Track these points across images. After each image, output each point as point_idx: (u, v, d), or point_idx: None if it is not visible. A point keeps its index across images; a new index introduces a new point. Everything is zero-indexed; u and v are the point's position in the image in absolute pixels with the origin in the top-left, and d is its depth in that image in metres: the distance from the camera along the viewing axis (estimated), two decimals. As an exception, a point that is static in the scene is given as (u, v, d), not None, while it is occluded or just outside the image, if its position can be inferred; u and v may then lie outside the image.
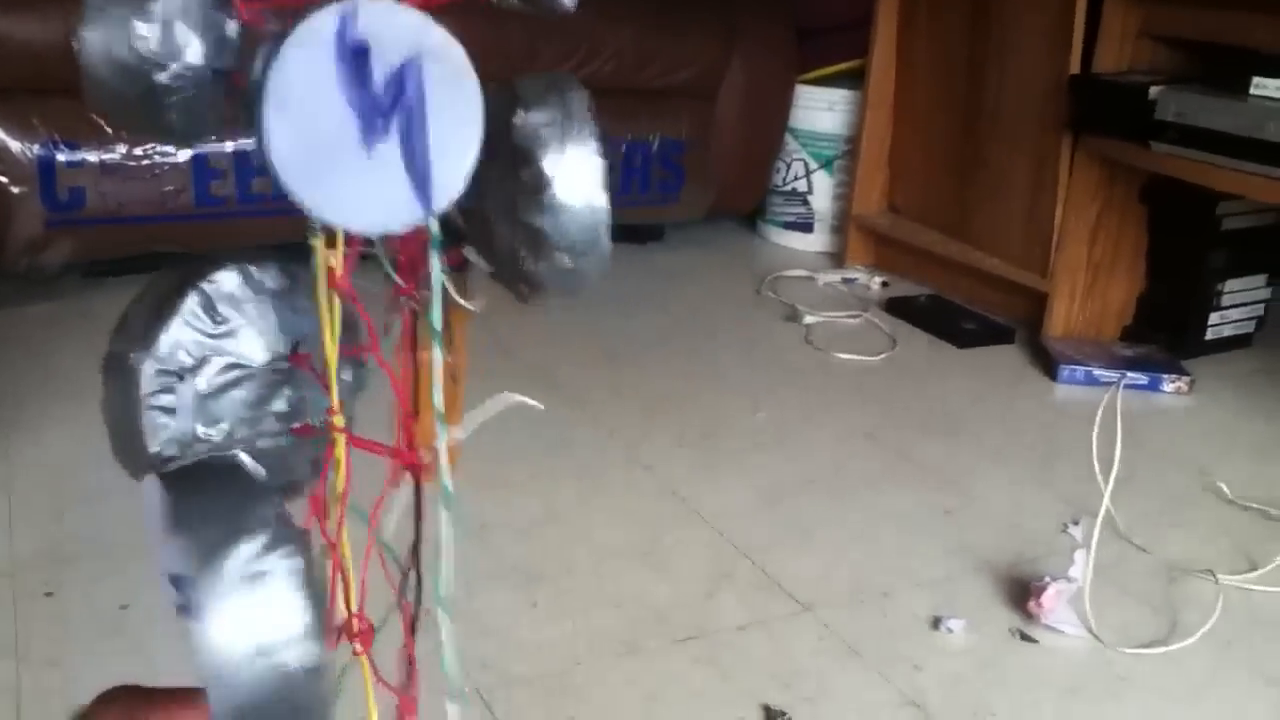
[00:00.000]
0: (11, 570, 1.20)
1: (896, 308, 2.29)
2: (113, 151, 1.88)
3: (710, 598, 1.25)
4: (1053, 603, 1.23)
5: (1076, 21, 2.01)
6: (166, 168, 1.92)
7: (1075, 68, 2.02)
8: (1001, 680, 1.15)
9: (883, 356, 2.05)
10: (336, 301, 0.34)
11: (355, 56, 0.27)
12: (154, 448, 0.35)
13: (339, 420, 0.36)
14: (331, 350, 0.35)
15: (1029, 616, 1.25)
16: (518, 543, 1.34)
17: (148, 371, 0.34)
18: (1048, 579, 1.25)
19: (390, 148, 0.29)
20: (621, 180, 2.38)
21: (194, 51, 0.31)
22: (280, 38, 0.28)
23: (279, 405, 0.37)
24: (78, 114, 1.86)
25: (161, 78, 0.31)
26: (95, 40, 0.31)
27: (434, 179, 0.29)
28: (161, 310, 0.34)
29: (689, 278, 2.43)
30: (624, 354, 1.95)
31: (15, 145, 1.82)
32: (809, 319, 2.19)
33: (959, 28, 2.30)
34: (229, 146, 1.97)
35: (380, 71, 0.28)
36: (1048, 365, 2.01)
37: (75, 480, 1.39)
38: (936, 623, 1.23)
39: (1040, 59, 2.11)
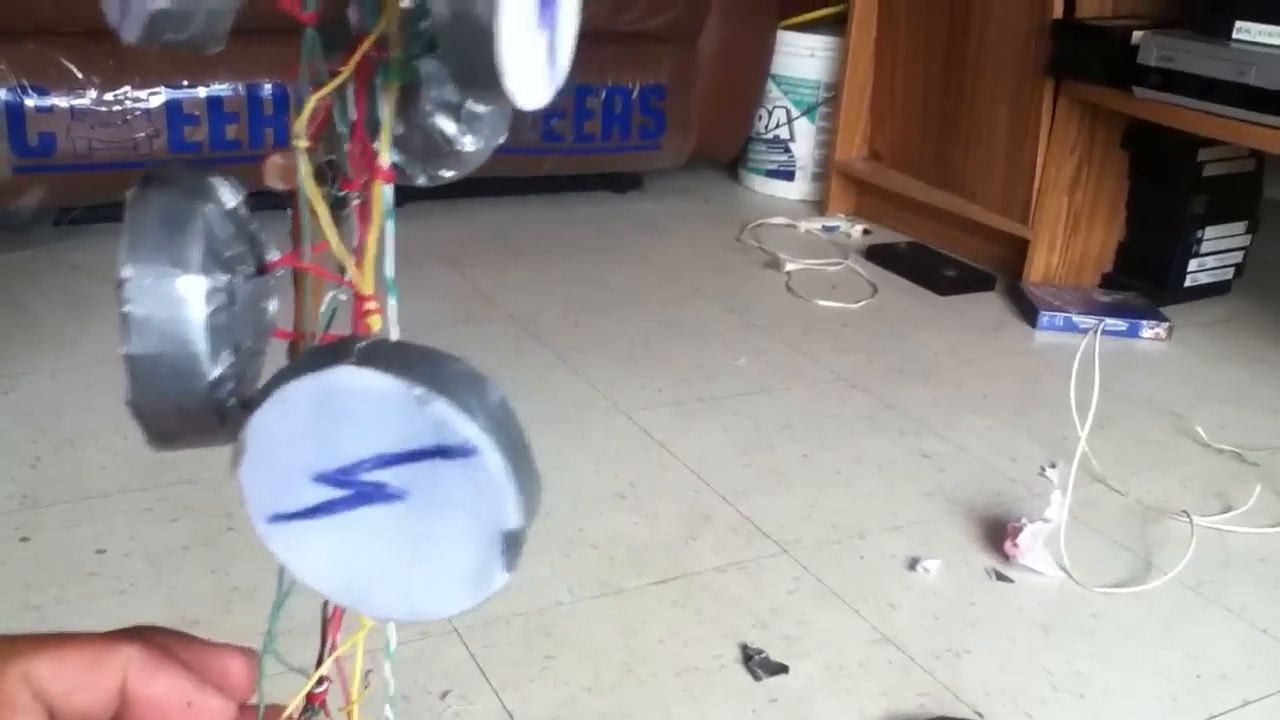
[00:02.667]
0: (-14, 515, 1.19)
1: (877, 255, 2.29)
2: (83, 96, 1.84)
3: (688, 541, 1.26)
4: (1028, 543, 1.24)
5: (1059, -35, 1.99)
6: (139, 113, 1.89)
7: (1058, 12, 2.01)
8: (976, 618, 1.16)
9: (863, 304, 2.04)
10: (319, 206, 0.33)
11: None
12: (213, 372, 0.32)
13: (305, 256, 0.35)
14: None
15: (1005, 558, 1.26)
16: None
17: (198, 290, 0.31)
18: (1024, 520, 1.26)
19: (545, 33, 0.29)
20: (602, 127, 2.36)
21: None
22: None
23: (269, 313, 0.36)
24: (47, 58, 1.82)
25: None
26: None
27: (559, 58, 0.31)
28: (185, 226, 0.32)
29: (669, 226, 2.42)
30: (604, 302, 1.95)
31: (-18, 90, 1.79)
32: (790, 266, 2.18)
33: (942, -28, 2.28)
34: (202, 92, 1.94)
35: None
36: (1028, 312, 2.01)
37: (50, 426, 1.38)
38: (913, 563, 1.24)
39: (1022, 4, 2.10)
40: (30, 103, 1.81)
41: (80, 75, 1.84)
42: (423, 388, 0.29)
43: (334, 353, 0.30)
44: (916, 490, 1.41)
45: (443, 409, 0.29)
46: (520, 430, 0.31)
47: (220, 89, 1.95)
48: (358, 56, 0.31)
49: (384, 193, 0.33)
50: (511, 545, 0.31)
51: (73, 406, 1.43)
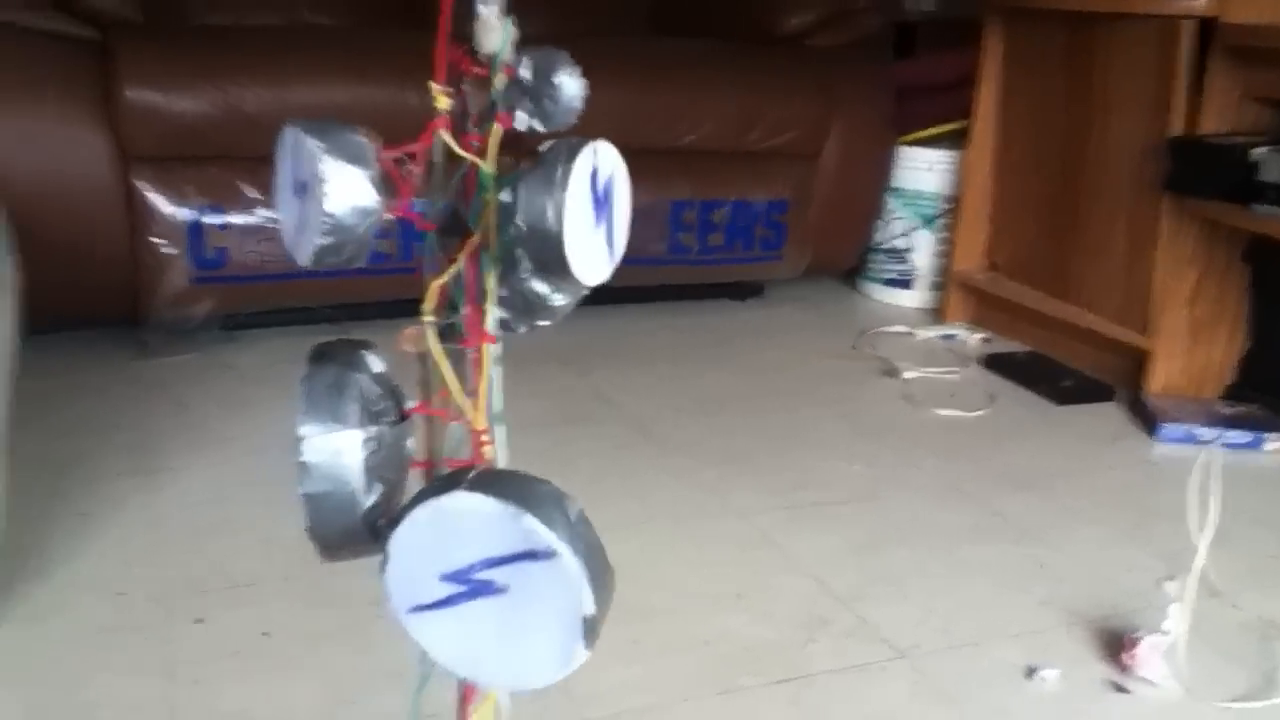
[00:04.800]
0: (163, 595, 1.31)
1: (995, 364, 2.32)
2: (254, 215, 2.03)
3: (805, 643, 1.31)
4: (1146, 655, 1.26)
5: (1177, 84, 2.04)
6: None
7: (1178, 129, 2.05)
8: (1091, 729, 1.18)
9: (980, 413, 2.08)
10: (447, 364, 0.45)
11: (594, 177, 0.38)
12: (367, 502, 0.43)
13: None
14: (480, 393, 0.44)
15: (1122, 668, 1.27)
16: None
17: (355, 442, 0.43)
18: (1141, 632, 1.28)
19: (602, 228, 0.41)
20: (725, 239, 2.47)
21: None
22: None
23: (408, 449, 0.47)
24: (225, 180, 2.02)
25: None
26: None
27: (616, 244, 0.42)
28: (344, 392, 0.43)
29: (787, 333, 2.50)
30: (720, 407, 2.03)
31: (169, 209, 1.98)
32: (907, 374, 2.23)
33: (1060, 89, 2.35)
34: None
35: (601, 181, 0.40)
36: (1147, 423, 2.02)
37: (218, 516, 1.51)
38: (1030, 672, 1.27)
39: (1140, 120, 2.14)
40: (209, 220, 2.00)
41: (253, 195, 2.02)
42: (516, 507, 0.39)
43: (451, 481, 0.41)
44: (1032, 599, 1.43)
45: (531, 523, 0.39)
46: (594, 536, 0.41)
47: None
48: (466, 252, 0.42)
49: (490, 350, 0.44)
50: (590, 629, 0.41)
51: (238, 497, 1.56)
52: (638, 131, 2.31)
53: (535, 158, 0.41)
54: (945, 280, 2.66)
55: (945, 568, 1.50)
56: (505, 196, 0.42)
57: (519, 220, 0.39)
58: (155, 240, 1.98)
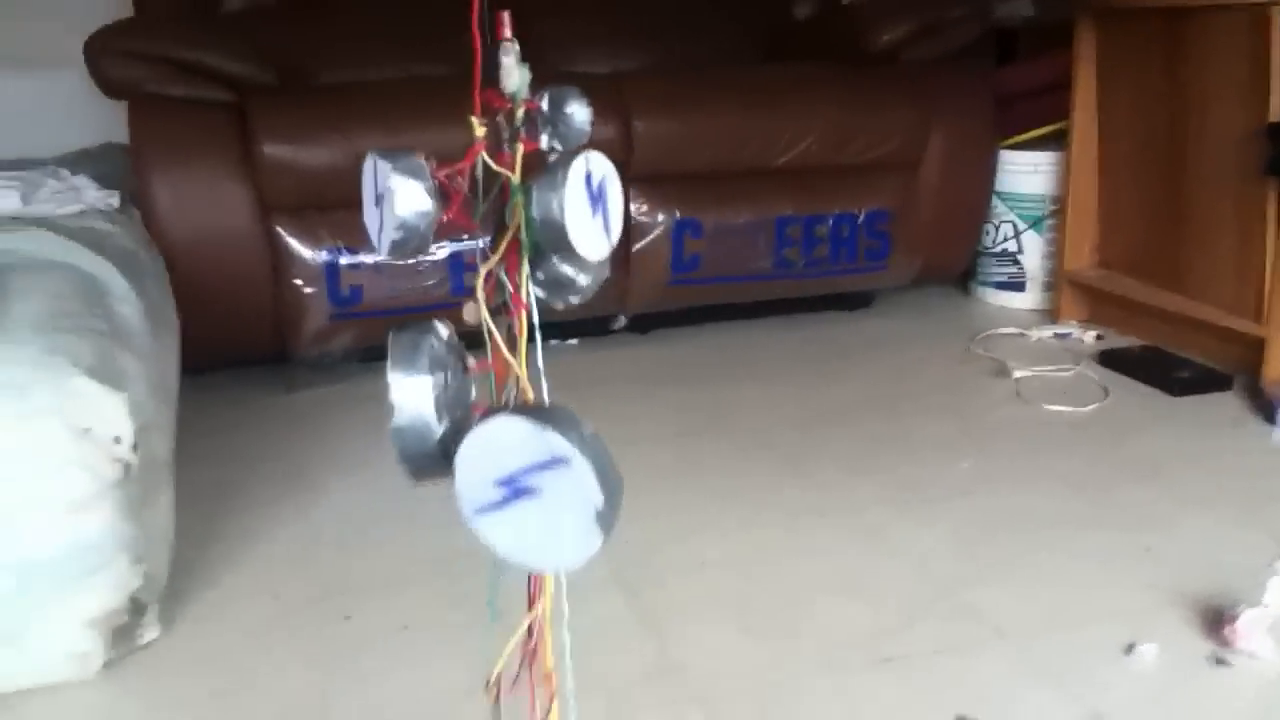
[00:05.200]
0: (317, 598, 1.45)
1: (1110, 360, 2.33)
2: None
3: (910, 625, 1.37)
4: (1247, 628, 1.28)
5: (1274, 69, 2.04)
6: (428, 265, 2.22)
7: (1275, 115, 2.04)
8: (1191, 700, 1.21)
9: (1093, 407, 2.10)
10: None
11: (589, 179, 0.50)
12: (439, 431, 0.56)
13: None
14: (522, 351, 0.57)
15: (1223, 643, 1.30)
16: (733, 576, 1.49)
17: (427, 385, 0.56)
18: (1241, 606, 1.30)
19: (599, 218, 0.53)
20: (830, 252, 2.53)
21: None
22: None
23: (471, 395, 0.60)
24: (354, 223, 2.18)
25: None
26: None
27: (612, 230, 0.54)
28: (418, 349, 0.57)
29: (898, 340, 2.55)
30: (833, 414, 2.09)
31: (307, 253, 2.16)
32: (1018, 374, 2.26)
33: (1156, 83, 2.35)
34: (478, 244, 2.25)
35: (595, 181, 0.52)
36: (1266, 410, 2.01)
37: (363, 529, 1.65)
38: (1129, 648, 1.30)
39: (1238, 109, 2.14)
40: (344, 261, 2.17)
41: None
42: (541, 424, 0.52)
43: (497, 411, 0.54)
44: (1137, 581, 1.46)
45: (552, 435, 0.51)
46: (604, 448, 0.54)
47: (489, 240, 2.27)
48: (505, 245, 0.56)
49: (525, 317, 0.58)
50: (601, 519, 0.53)
51: (380, 512, 1.70)
52: (740, 155, 2.40)
53: (545, 167, 0.55)
54: (1056, 280, 2.67)
55: (1050, 555, 1.54)
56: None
57: (534, 214, 0.53)
58: (295, 281, 2.16)
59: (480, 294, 0.58)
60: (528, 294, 0.59)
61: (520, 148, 0.58)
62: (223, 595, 1.47)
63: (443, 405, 0.58)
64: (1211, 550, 1.54)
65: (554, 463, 0.52)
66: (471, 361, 0.61)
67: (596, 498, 0.52)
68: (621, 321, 2.52)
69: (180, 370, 1.85)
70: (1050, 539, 1.59)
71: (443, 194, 0.60)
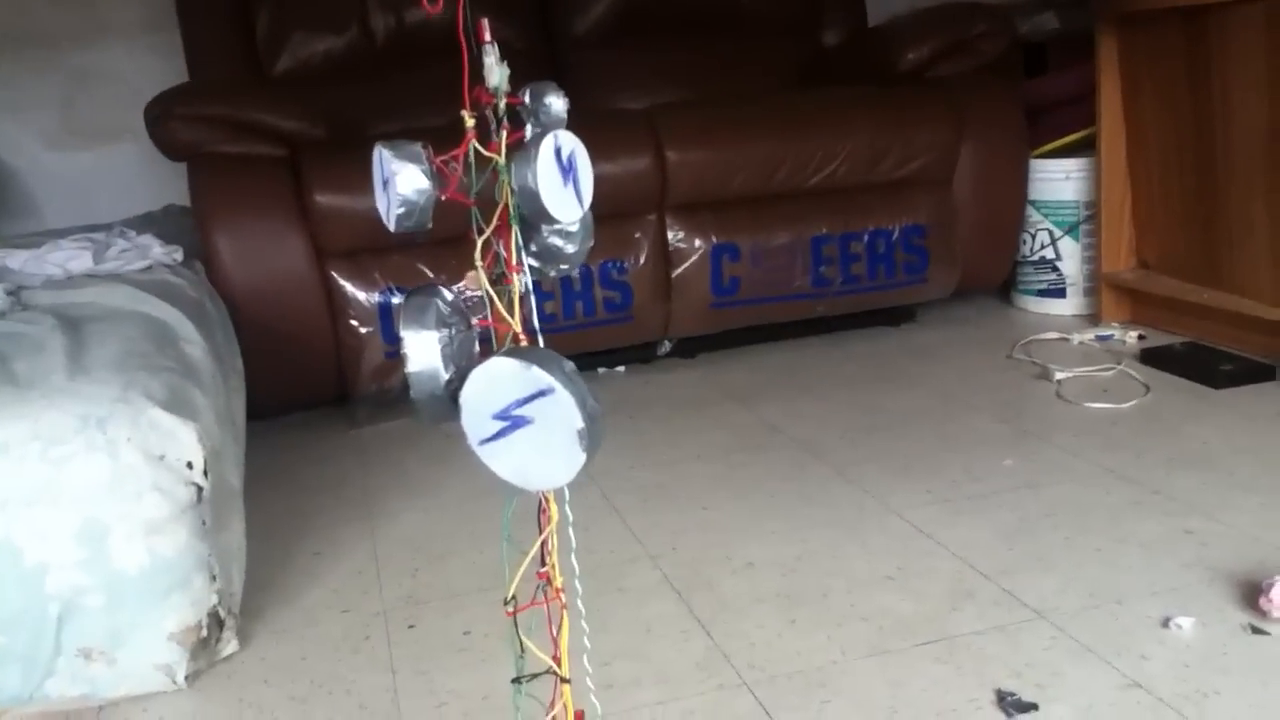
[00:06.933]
0: (384, 610, 1.53)
1: (1152, 358, 2.35)
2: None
3: (951, 611, 1.41)
4: (1281, 597, 1.30)
5: (1293, 61, 2.07)
6: (474, 300, 2.31)
7: (1298, 105, 2.08)
8: (1227, 666, 1.24)
9: (1134, 403, 2.12)
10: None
11: (558, 152, 0.57)
12: (445, 378, 0.65)
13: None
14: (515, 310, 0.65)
15: (1261, 613, 1.32)
16: (778, 575, 1.55)
17: (434, 339, 0.65)
18: (1276, 577, 1.33)
19: (570, 187, 0.62)
20: (868, 268, 2.59)
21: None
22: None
23: (476, 348, 0.69)
24: (405, 265, 2.29)
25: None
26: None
27: (584, 196, 0.62)
28: (427, 309, 0.66)
29: (942, 351, 2.59)
30: (880, 424, 2.14)
31: (362, 295, 2.26)
32: (1059, 375, 2.29)
33: (1181, 83, 2.39)
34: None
35: (565, 154, 0.60)
36: (1309, 396, 2.02)
37: (424, 547, 1.73)
38: (1166, 621, 1.33)
39: (1262, 102, 2.17)
40: (396, 301, 2.27)
41: (431, 275, 2.28)
42: (527, 362, 0.60)
43: (492, 355, 0.62)
44: (1176, 562, 1.49)
45: (537, 371, 0.61)
46: (582, 382, 0.63)
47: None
48: (497, 218, 0.65)
49: (520, 280, 0.66)
50: (583, 437, 0.62)
51: (440, 533, 1.78)
52: (773, 179, 2.48)
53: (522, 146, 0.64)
54: (1096, 283, 2.70)
55: (1091, 542, 1.57)
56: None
57: (514, 185, 0.62)
58: (352, 322, 2.26)
59: (479, 263, 0.67)
60: (519, 259, 0.68)
61: (505, 134, 0.67)
62: (296, 611, 1.56)
63: (449, 356, 0.67)
64: (1253, 532, 1.56)
65: (540, 394, 0.61)
66: (475, 320, 0.70)
67: (577, 421, 0.62)
68: (666, 347, 2.59)
69: (249, 412, 1.96)
70: (1091, 526, 1.62)
71: (440, 177, 0.69)
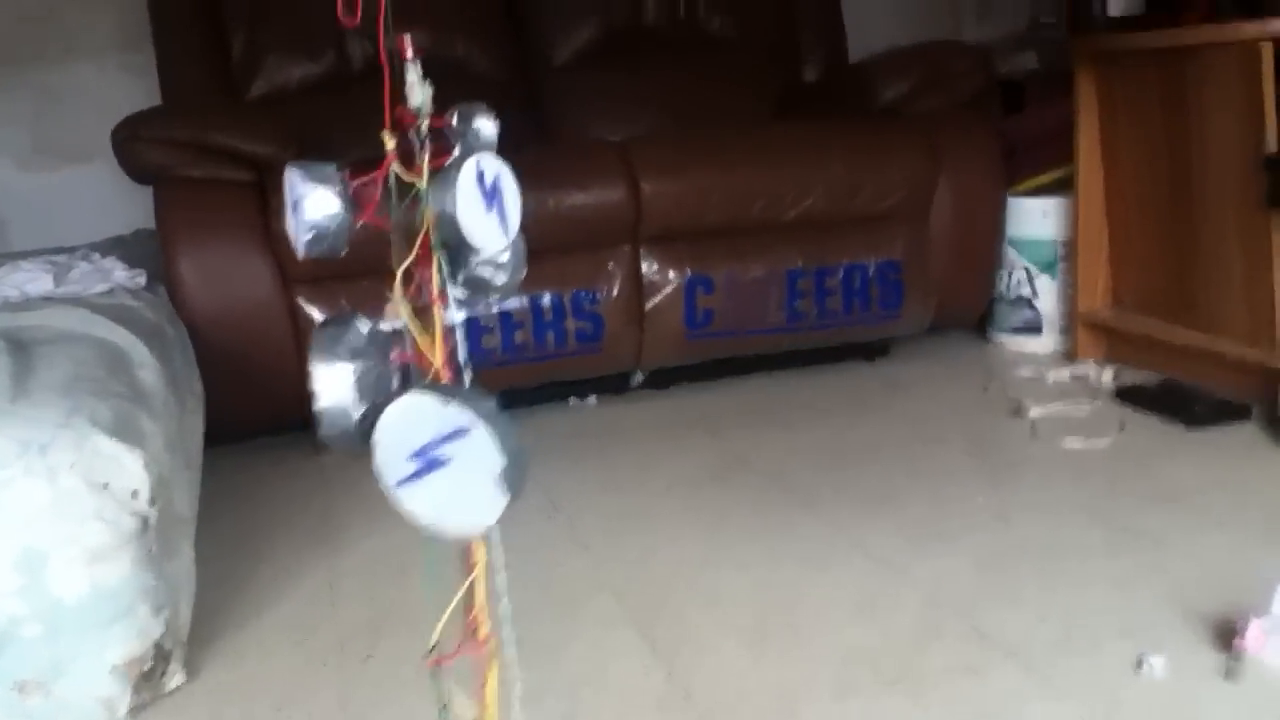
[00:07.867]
0: (340, 639, 1.49)
1: (1127, 395, 2.33)
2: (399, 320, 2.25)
3: (920, 649, 1.38)
4: (1256, 636, 1.28)
5: (1266, 105, 2.07)
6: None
7: (1271, 147, 2.07)
8: (1200, 709, 1.21)
9: (1109, 440, 2.10)
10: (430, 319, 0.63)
11: (480, 177, 0.54)
12: (357, 414, 0.60)
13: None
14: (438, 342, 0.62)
15: (1234, 653, 1.29)
16: (744, 611, 1.51)
17: (346, 372, 0.61)
18: (1251, 616, 1.30)
19: (494, 214, 0.58)
20: (843, 303, 2.57)
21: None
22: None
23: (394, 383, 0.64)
24: (373, 291, 2.24)
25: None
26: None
27: (509, 224, 0.58)
28: (339, 341, 0.62)
29: (916, 386, 2.56)
30: (850, 457, 2.11)
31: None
32: (1034, 412, 2.27)
33: (1156, 123, 2.39)
34: (495, 308, 2.31)
35: (489, 179, 0.56)
36: (1283, 436, 2.00)
37: (384, 576, 1.69)
38: (1139, 661, 1.30)
39: (1236, 143, 2.17)
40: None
41: (399, 302, 2.24)
42: (446, 398, 0.56)
43: (408, 390, 0.58)
44: (1149, 601, 1.46)
45: (455, 407, 0.55)
46: (507, 421, 0.58)
47: (510, 303, 2.32)
48: (419, 243, 0.61)
49: (443, 312, 0.62)
50: (503, 480, 0.58)
51: (399, 558, 1.72)
52: (748, 212, 2.45)
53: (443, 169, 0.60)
54: (1072, 321, 2.68)
55: (1063, 580, 1.54)
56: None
57: (433, 209, 0.58)
58: (320, 349, 2.22)
59: (398, 293, 0.64)
60: (442, 289, 0.65)
61: (426, 156, 0.63)
62: (249, 640, 1.51)
63: (362, 390, 0.63)
64: (1226, 570, 1.53)
65: (457, 433, 0.57)
66: (394, 351, 0.66)
67: (498, 462, 0.57)
68: (639, 378, 2.56)
69: (209, 437, 1.91)
70: (1063, 565, 1.59)
71: (356, 201, 0.64)
